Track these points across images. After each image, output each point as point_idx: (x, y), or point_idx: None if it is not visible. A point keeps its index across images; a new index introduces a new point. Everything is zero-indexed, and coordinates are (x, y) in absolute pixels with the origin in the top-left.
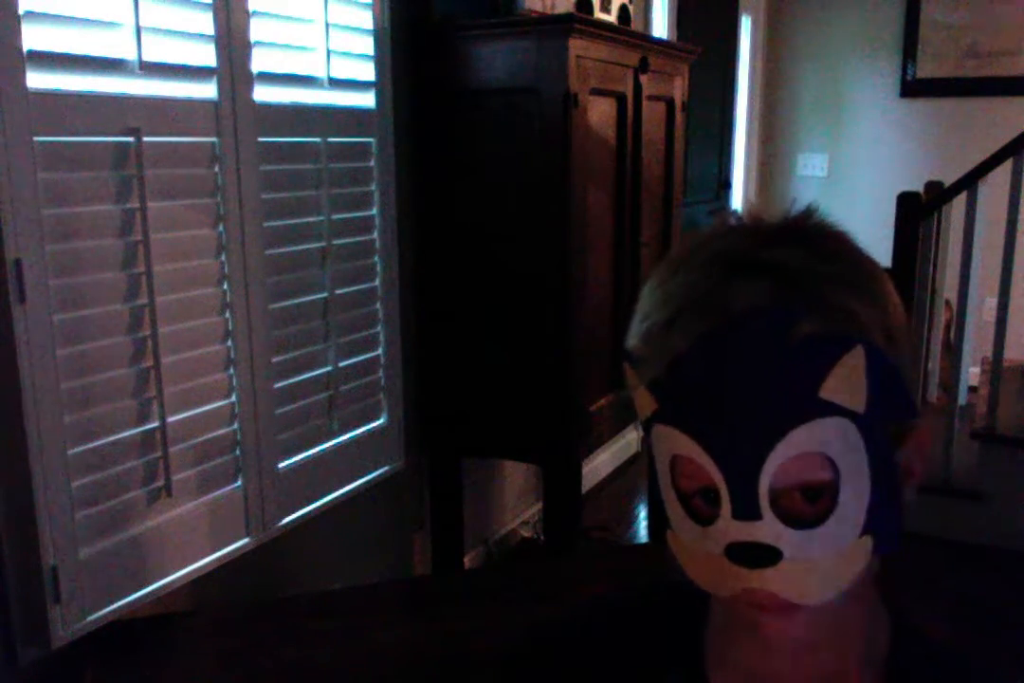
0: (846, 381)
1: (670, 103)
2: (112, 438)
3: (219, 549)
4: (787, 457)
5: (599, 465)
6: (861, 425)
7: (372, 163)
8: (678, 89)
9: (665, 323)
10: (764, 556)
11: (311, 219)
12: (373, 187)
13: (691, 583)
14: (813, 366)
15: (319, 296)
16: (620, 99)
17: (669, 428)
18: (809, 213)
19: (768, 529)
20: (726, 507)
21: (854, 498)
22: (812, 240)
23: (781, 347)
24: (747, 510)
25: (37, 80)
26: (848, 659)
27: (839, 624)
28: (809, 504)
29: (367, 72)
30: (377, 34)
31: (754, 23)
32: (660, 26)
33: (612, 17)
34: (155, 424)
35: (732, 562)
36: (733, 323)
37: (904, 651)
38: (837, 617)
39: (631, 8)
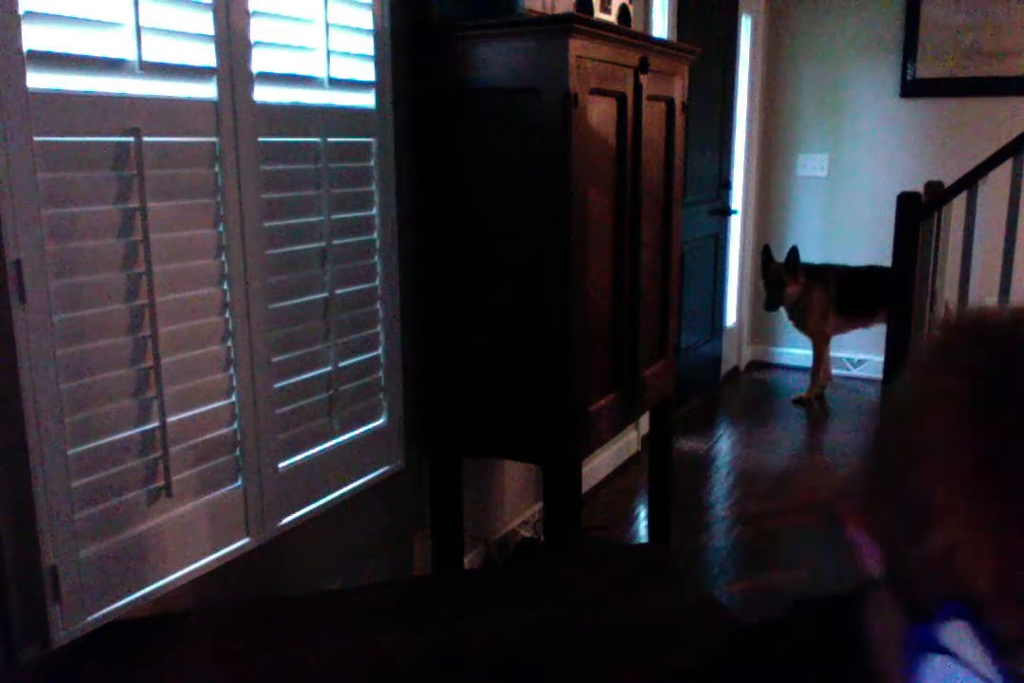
0: None
1: (670, 103)
2: (112, 438)
3: (219, 549)
4: None
5: (599, 465)
6: None
7: (372, 163)
8: (678, 89)
9: None
10: None
11: (311, 219)
12: (373, 187)
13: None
14: None
15: (319, 296)
16: (620, 99)
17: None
18: None
19: None
20: None
21: None
22: None
23: None
24: None
25: (37, 80)
26: None
27: None
28: None
29: (367, 72)
30: (377, 34)
31: (754, 23)
32: (660, 26)
33: (612, 17)
34: (155, 424)
35: None
36: None
37: None
38: None
39: (631, 8)
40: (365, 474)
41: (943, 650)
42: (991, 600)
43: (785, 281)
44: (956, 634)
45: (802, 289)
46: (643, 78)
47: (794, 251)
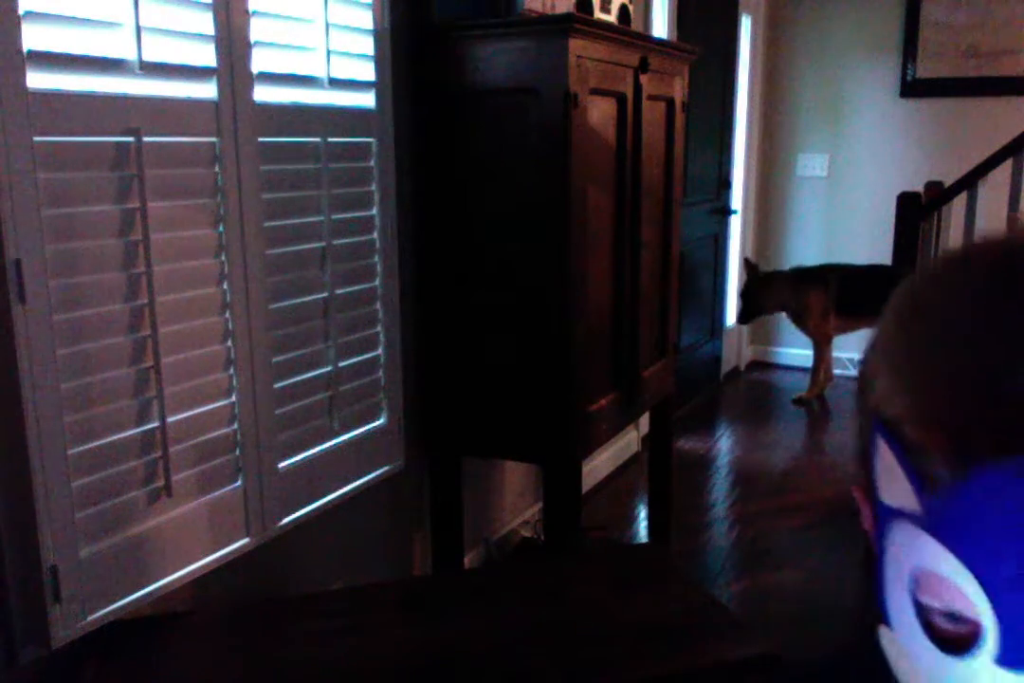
0: None
1: (670, 103)
2: (112, 438)
3: (219, 549)
4: None
5: (599, 465)
6: None
7: (372, 163)
8: (678, 89)
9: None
10: None
11: (311, 219)
12: (373, 187)
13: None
14: None
15: (319, 296)
16: (620, 99)
17: (930, 539)
18: None
19: None
20: (988, 650)
21: None
22: None
23: None
24: (1017, 659)
25: (37, 80)
26: None
27: None
28: None
29: (367, 72)
30: (377, 34)
31: (754, 23)
32: (660, 26)
33: (612, 17)
34: (155, 424)
35: None
36: None
37: None
38: None
39: (631, 8)
40: (365, 474)
41: (895, 512)
42: (903, 421)
43: (755, 292)
44: (887, 475)
45: (776, 296)
46: (643, 78)
47: (747, 262)
